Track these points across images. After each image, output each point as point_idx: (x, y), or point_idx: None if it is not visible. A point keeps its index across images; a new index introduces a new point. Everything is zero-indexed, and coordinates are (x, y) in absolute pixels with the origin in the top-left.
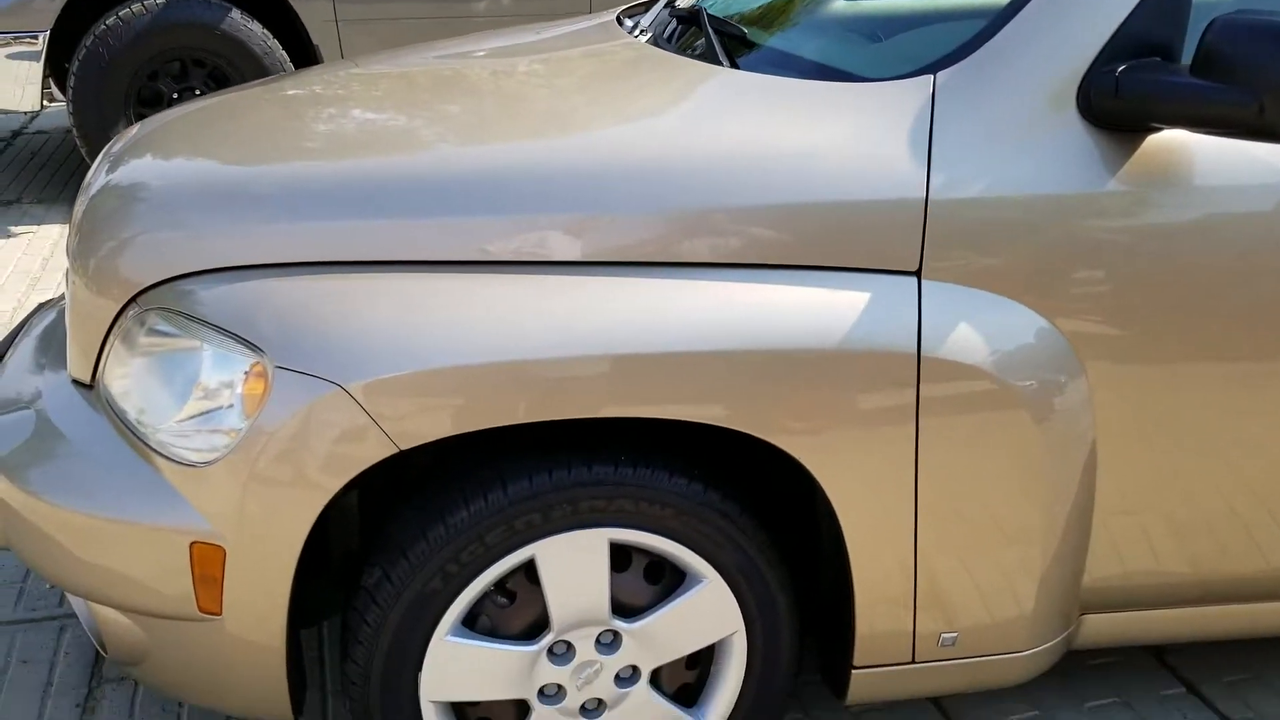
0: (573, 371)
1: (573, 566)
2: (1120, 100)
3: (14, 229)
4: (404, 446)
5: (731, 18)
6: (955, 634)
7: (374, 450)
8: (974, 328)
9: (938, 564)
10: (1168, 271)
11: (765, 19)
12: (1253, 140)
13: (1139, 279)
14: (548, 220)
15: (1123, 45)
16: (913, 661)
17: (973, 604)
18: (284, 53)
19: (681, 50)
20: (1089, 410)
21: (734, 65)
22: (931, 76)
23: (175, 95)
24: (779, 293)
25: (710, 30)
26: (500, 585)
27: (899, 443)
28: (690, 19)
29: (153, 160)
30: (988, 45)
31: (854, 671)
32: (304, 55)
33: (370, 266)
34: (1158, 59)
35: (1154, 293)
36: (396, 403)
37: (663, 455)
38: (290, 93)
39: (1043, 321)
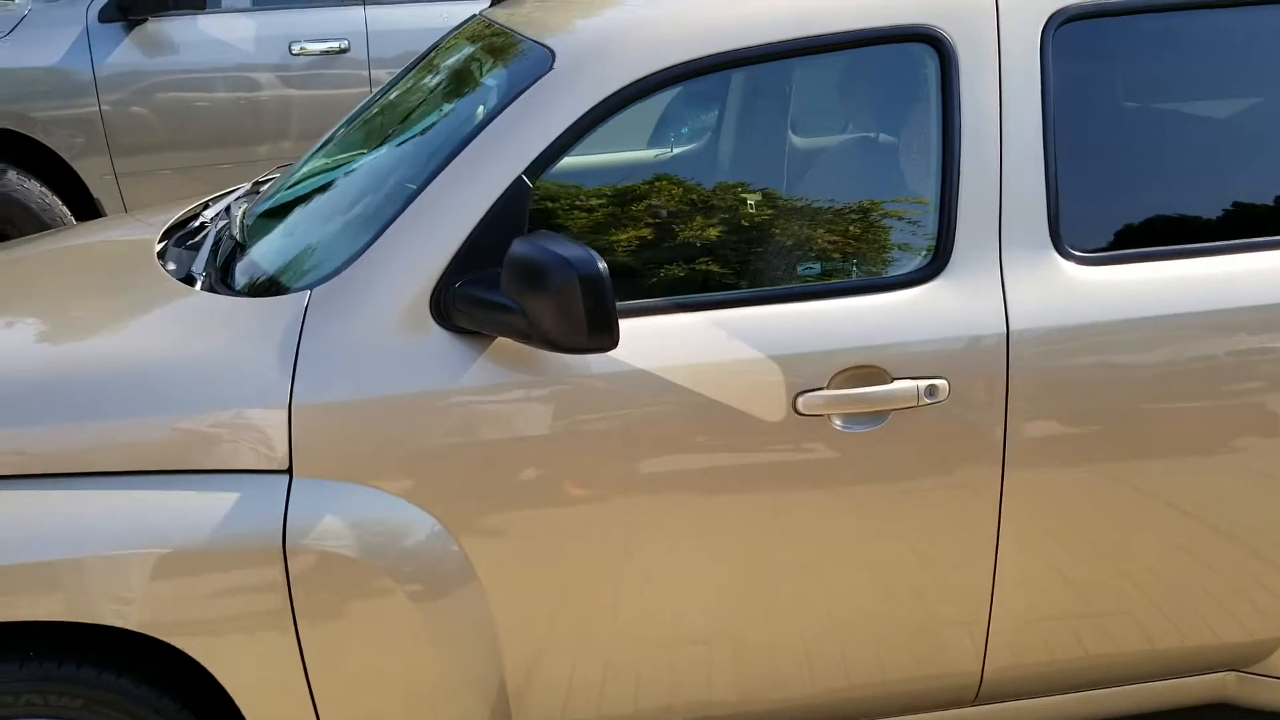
0: None
1: None
2: (459, 311)
3: None
4: None
5: (266, 213)
6: None
7: None
8: (341, 519)
9: None
10: (526, 457)
11: (279, 216)
12: (553, 351)
13: (500, 464)
14: None
15: (473, 257)
16: None
17: None
18: (65, 208)
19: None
20: (477, 589)
21: (219, 277)
22: (309, 292)
23: None
24: (156, 498)
25: (207, 248)
26: None
27: (278, 629)
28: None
29: None
30: (357, 262)
31: None
32: (90, 207)
33: None
34: (498, 270)
35: (514, 475)
36: None
37: (74, 647)
38: None
39: (413, 508)
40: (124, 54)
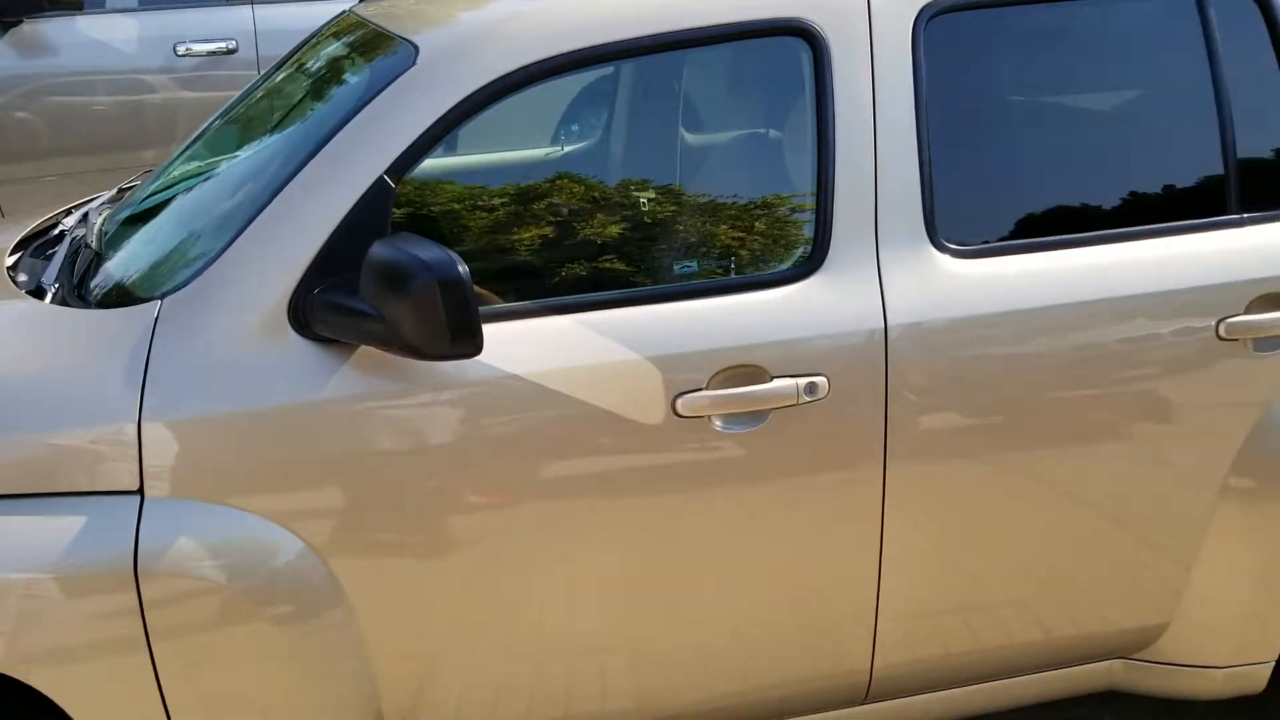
0: None
1: None
2: (319, 318)
3: None
4: None
5: (124, 220)
6: None
7: None
8: (197, 541)
9: None
10: (396, 470)
11: (137, 223)
12: (414, 358)
13: (369, 478)
14: None
15: (333, 261)
16: None
17: None
18: None
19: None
20: (348, 610)
21: (72, 288)
22: (159, 302)
23: None
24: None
25: (60, 258)
26: None
27: (133, 658)
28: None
29: None
30: (210, 269)
31: None
32: None
33: None
34: (359, 274)
35: (384, 489)
36: None
37: None
38: None
39: (276, 527)
40: None
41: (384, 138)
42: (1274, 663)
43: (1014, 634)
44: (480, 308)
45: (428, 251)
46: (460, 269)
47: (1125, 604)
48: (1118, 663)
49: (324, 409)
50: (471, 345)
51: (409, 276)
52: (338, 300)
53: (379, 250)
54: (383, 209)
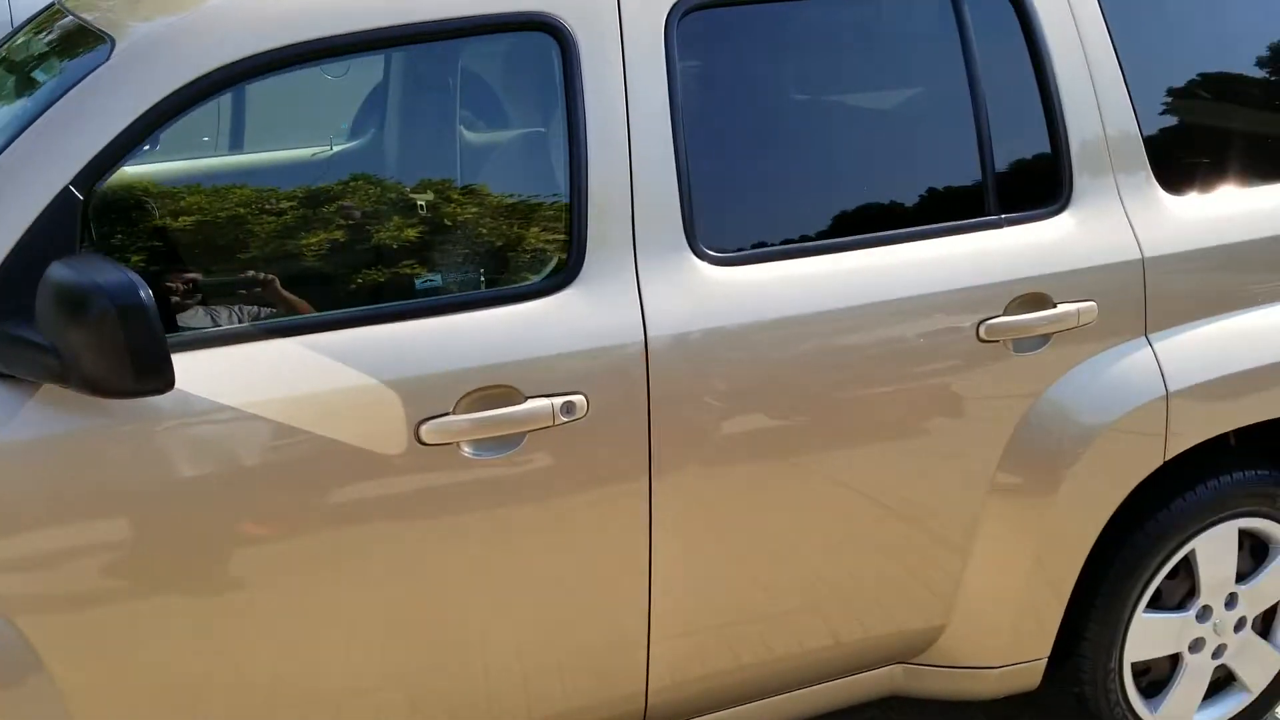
0: None
1: None
2: None
3: None
4: None
5: None
6: None
7: None
8: None
9: None
10: (94, 520)
11: None
12: (96, 395)
13: (62, 530)
14: None
15: (8, 289)
16: None
17: None
18: None
19: None
20: (46, 681)
21: None
22: None
23: None
24: None
25: None
26: None
27: None
28: None
29: None
30: None
31: None
32: None
33: None
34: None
35: (80, 541)
36: None
37: None
38: None
39: None
40: None
41: (69, 144)
42: (1047, 659)
43: (791, 645)
44: (198, 331)
45: (105, 274)
46: (142, 294)
47: (900, 608)
48: (898, 668)
49: (3, 454)
50: (159, 380)
51: (85, 303)
52: (8, 330)
53: (55, 272)
54: (68, 224)
